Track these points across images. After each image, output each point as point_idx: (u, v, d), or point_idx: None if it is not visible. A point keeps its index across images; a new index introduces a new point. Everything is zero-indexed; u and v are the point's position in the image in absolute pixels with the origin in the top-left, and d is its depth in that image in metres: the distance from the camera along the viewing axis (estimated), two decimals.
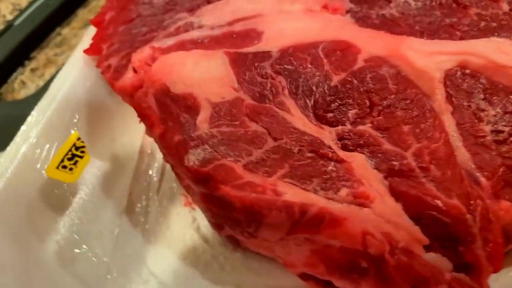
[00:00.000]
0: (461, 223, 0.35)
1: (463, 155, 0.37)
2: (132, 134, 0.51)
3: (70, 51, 0.70)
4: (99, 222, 0.46)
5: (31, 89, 0.67)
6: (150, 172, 0.49)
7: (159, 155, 0.50)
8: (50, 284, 0.42)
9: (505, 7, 0.44)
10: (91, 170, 0.48)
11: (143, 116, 0.41)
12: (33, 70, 0.69)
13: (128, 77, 0.44)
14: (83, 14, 0.76)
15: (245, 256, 0.43)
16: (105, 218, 0.46)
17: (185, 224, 0.45)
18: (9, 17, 0.77)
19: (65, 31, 0.74)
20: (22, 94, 0.66)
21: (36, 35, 0.71)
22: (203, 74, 0.41)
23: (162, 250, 0.44)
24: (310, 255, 0.36)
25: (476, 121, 0.39)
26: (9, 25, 0.69)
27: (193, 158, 0.37)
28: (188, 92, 0.40)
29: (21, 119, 0.58)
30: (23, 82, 0.68)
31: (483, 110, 0.39)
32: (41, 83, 0.67)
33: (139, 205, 0.47)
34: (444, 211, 0.35)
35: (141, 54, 0.45)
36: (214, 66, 0.41)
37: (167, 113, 0.40)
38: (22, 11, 0.71)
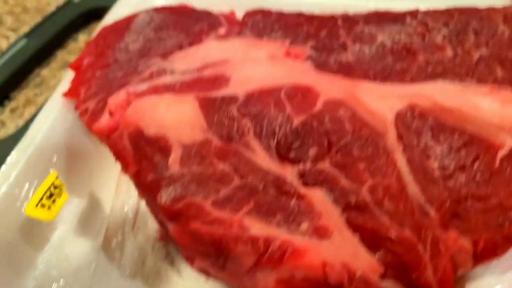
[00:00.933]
0: (413, 252, 0.38)
1: (414, 189, 0.41)
2: (109, 173, 0.53)
3: (49, 91, 0.73)
4: (76, 258, 0.47)
5: (10, 128, 0.68)
6: (126, 209, 0.51)
7: (134, 192, 0.52)
8: None
9: (450, 53, 0.49)
10: (69, 208, 0.50)
11: (119, 157, 0.43)
12: (12, 110, 0.71)
13: (104, 120, 0.47)
14: (62, 55, 0.79)
15: (216, 287, 0.45)
16: (82, 254, 0.48)
17: (159, 257, 0.47)
18: None
19: (44, 72, 0.77)
20: (1, 133, 0.68)
21: (17, 76, 0.73)
22: (175, 117, 0.44)
23: (138, 284, 0.46)
24: (276, 285, 0.39)
25: (425, 158, 0.42)
26: None
27: (165, 196, 0.40)
28: (161, 134, 0.43)
29: (1, 159, 0.60)
30: (2, 122, 0.70)
31: (431, 148, 0.43)
32: (20, 122, 0.69)
33: (115, 240, 0.49)
34: (397, 242, 0.38)
35: (117, 98, 0.48)
36: (185, 110, 0.44)
37: (141, 154, 0.42)
38: (3, 53, 0.74)
